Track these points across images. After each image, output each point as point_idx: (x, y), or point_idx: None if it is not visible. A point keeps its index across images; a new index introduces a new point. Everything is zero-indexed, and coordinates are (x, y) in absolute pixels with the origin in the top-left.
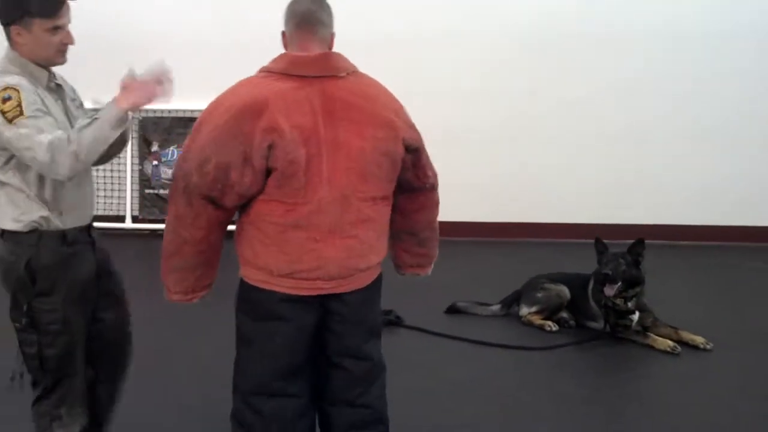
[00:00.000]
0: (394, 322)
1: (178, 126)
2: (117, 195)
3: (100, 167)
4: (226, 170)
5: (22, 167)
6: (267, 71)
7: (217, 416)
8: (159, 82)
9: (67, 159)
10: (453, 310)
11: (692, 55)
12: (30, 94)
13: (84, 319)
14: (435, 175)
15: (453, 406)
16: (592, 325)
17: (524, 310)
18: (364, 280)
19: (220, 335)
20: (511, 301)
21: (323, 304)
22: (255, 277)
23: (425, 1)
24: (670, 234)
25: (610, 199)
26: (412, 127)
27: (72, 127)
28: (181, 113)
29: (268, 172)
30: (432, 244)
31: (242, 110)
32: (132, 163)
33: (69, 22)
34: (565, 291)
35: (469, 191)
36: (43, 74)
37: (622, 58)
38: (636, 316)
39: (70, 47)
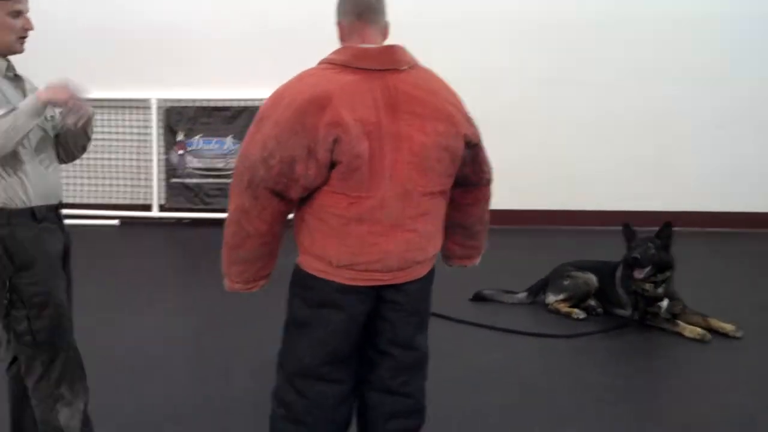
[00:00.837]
0: None
1: (202, 116)
2: (144, 184)
3: (126, 157)
4: (291, 164)
5: None
6: (329, 63)
7: (241, 406)
8: (76, 90)
9: None
10: (479, 298)
11: (720, 38)
12: None
13: (63, 291)
14: (491, 170)
15: (479, 393)
16: (620, 312)
17: (551, 298)
18: (421, 272)
19: (249, 323)
20: (538, 289)
21: (378, 293)
22: (313, 266)
23: None
24: (699, 221)
25: (637, 185)
26: (471, 122)
27: None
28: (206, 103)
29: (332, 165)
30: (481, 236)
31: (306, 104)
32: (158, 153)
33: (28, 10)
34: (592, 279)
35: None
36: (1, 63)
37: (648, 42)
38: (665, 303)
39: (102, 42)
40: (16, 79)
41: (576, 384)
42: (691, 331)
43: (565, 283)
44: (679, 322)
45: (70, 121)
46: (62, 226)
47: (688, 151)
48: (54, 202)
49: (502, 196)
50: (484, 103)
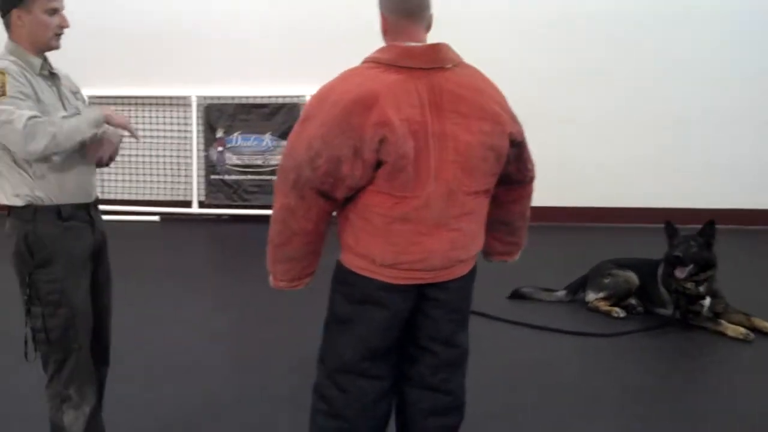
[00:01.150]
0: None
1: (241, 112)
2: (183, 181)
3: (167, 154)
4: (337, 164)
5: None
6: (374, 62)
7: (280, 402)
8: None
9: (44, 138)
10: (517, 296)
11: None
12: (17, 78)
13: (83, 293)
14: (534, 168)
15: (517, 391)
16: (661, 311)
17: (591, 296)
18: (464, 269)
19: (289, 319)
20: (577, 287)
21: (420, 290)
22: (356, 264)
23: None
24: (742, 218)
25: (678, 183)
26: (516, 120)
27: (66, 111)
28: (245, 100)
29: (378, 164)
30: (522, 232)
31: (352, 104)
32: (198, 150)
33: (64, 7)
34: (633, 277)
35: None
36: (37, 61)
37: (693, 41)
38: (707, 302)
39: (143, 41)
40: (52, 77)
41: (615, 383)
42: (733, 330)
43: (606, 281)
44: (722, 321)
45: (105, 155)
46: (94, 224)
47: (732, 149)
48: (84, 200)
49: (543, 193)
50: (523, 101)
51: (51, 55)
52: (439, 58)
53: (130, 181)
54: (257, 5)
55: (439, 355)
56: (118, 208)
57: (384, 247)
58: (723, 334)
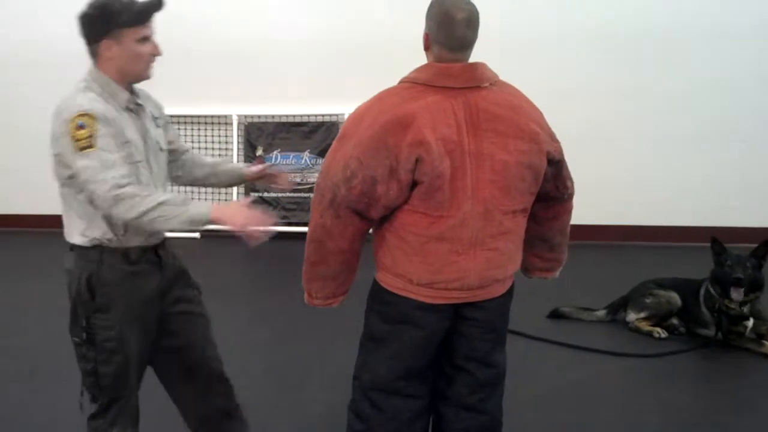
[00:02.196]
0: None
1: (281, 131)
2: (224, 198)
3: None
4: (372, 184)
5: None
6: (411, 82)
7: (316, 419)
8: (260, 223)
9: (129, 212)
10: (556, 315)
11: None
12: (104, 125)
13: (142, 338)
14: (573, 185)
15: (556, 411)
16: (703, 332)
17: (632, 316)
18: (500, 289)
19: (325, 335)
20: (618, 307)
21: (457, 310)
22: (392, 284)
23: (519, 2)
24: None
25: (716, 200)
26: (554, 138)
27: (146, 145)
28: (284, 118)
29: (414, 184)
30: (562, 249)
31: (388, 124)
32: None
33: (154, 33)
34: (675, 297)
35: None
36: (123, 95)
37: (726, 53)
38: (750, 323)
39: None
40: (137, 109)
41: (657, 405)
42: None
43: (647, 301)
44: (765, 342)
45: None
46: (163, 264)
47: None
48: (154, 242)
49: (581, 211)
50: (560, 118)
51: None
52: (476, 77)
53: None
54: (297, 25)
55: (475, 375)
56: None
57: (420, 267)
58: (766, 356)
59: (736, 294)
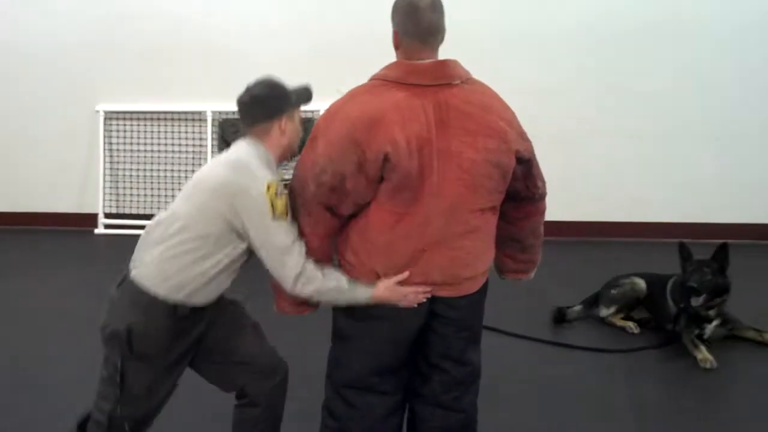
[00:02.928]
0: None
1: None
2: None
3: (182, 168)
4: (342, 180)
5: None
6: (381, 79)
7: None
8: (413, 299)
9: (305, 288)
10: (560, 320)
11: None
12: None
13: (170, 388)
14: (544, 185)
15: (530, 409)
16: (670, 326)
17: (603, 312)
18: (471, 287)
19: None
20: (592, 302)
21: (430, 307)
22: (359, 279)
23: (499, 1)
24: (756, 233)
25: (696, 197)
26: (524, 137)
27: None
28: None
29: (381, 180)
30: (535, 250)
31: (357, 121)
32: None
33: None
34: (639, 282)
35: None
36: (279, 173)
37: (706, 52)
38: (711, 326)
39: (166, 54)
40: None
41: (632, 400)
42: (703, 356)
43: (613, 292)
44: (702, 347)
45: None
46: (204, 319)
47: (747, 163)
48: (208, 304)
49: (558, 208)
50: (541, 116)
51: (59, 70)
52: (446, 75)
53: (146, 195)
54: (271, 22)
55: (450, 373)
56: (133, 222)
57: (386, 263)
58: (694, 357)
59: (695, 302)
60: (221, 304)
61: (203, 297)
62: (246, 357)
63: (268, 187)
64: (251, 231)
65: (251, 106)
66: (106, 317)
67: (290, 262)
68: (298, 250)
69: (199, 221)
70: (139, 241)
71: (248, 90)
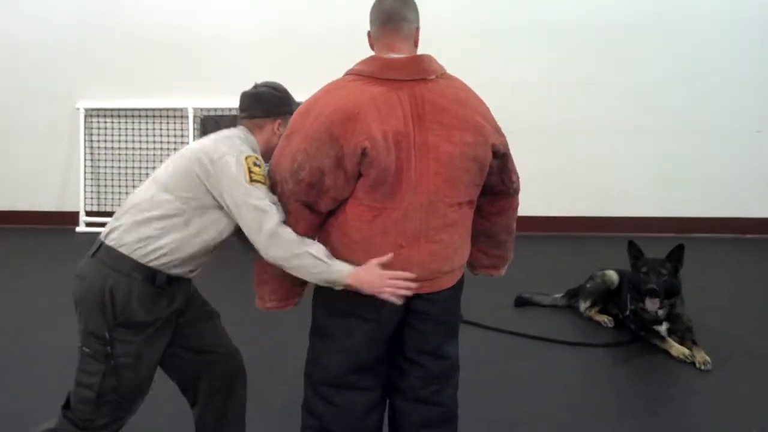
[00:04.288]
0: None
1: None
2: None
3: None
4: (320, 175)
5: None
6: (356, 74)
7: (270, 418)
8: (392, 286)
9: (282, 252)
10: (522, 303)
11: (749, 42)
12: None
13: (155, 359)
14: (518, 179)
15: (510, 402)
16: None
17: (582, 306)
18: (448, 282)
19: (280, 330)
20: (573, 294)
21: (407, 303)
22: None
23: None
24: (744, 227)
25: (675, 191)
26: (499, 131)
27: None
28: None
29: (359, 176)
30: (508, 246)
31: (334, 115)
32: None
33: None
34: (611, 274)
35: (527, 185)
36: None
37: (684, 47)
38: (664, 327)
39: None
40: None
41: (611, 393)
42: (677, 350)
43: (588, 286)
44: (669, 339)
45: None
46: (183, 290)
47: (727, 156)
48: (185, 276)
49: (537, 203)
50: (516, 110)
51: (39, 68)
52: (421, 69)
53: (127, 193)
54: (251, 18)
55: (428, 368)
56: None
57: (364, 260)
58: (668, 353)
59: (651, 305)
60: (192, 289)
61: (180, 267)
62: (212, 344)
63: (247, 157)
64: (226, 193)
65: (254, 100)
66: (80, 287)
67: (266, 225)
68: (276, 213)
69: (180, 185)
70: (117, 211)
71: (256, 86)
